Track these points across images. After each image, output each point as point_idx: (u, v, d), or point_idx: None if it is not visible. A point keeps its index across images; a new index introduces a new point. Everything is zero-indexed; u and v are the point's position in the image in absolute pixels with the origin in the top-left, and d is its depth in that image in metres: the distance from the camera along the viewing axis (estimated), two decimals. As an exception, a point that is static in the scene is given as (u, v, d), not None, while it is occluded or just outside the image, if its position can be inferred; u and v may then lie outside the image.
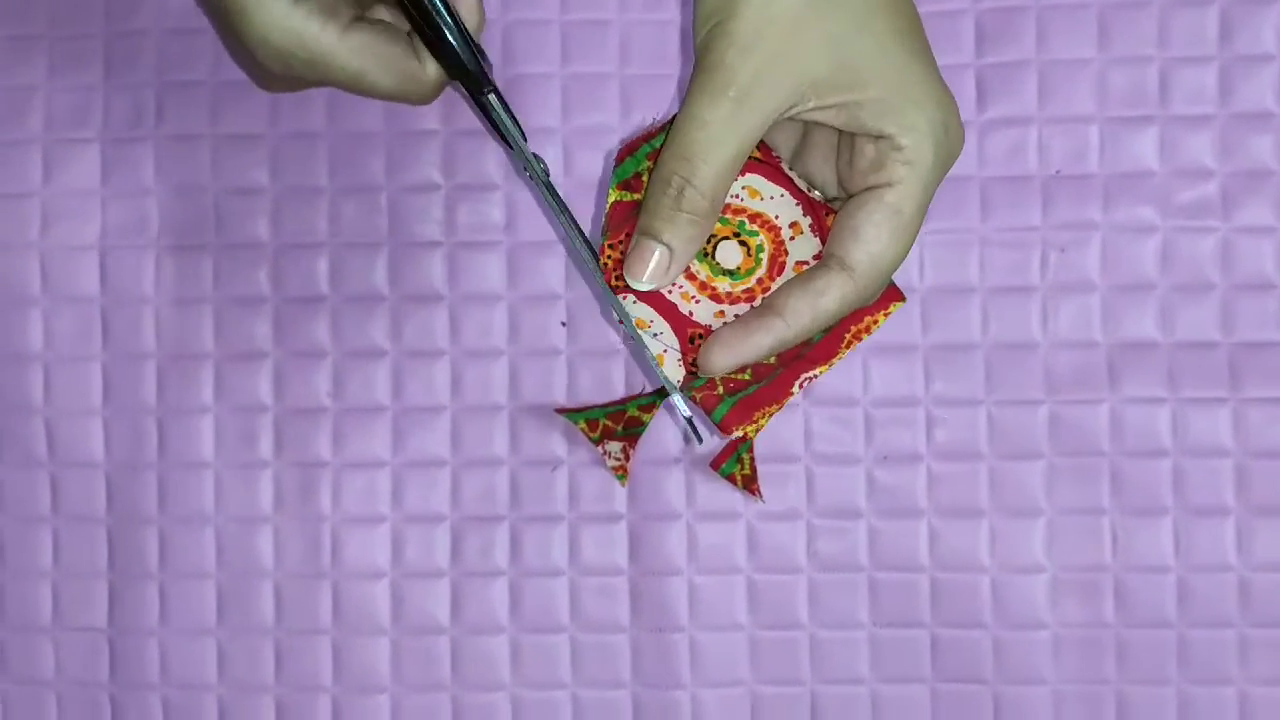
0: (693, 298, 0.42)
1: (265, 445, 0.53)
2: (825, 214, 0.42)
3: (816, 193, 0.42)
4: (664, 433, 0.52)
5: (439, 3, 0.41)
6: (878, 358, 0.51)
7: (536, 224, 0.52)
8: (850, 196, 0.41)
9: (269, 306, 0.53)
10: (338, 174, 0.53)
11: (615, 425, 0.50)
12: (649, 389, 0.52)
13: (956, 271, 0.51)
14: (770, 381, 0.43)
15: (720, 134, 0.39)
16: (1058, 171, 0.51)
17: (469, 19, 0.43)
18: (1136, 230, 0.51)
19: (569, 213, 0.43)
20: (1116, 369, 0.51)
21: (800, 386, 0.43)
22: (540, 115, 0.52)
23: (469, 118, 0.52)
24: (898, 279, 0.51)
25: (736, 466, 0.51)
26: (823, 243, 0.42)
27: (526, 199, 0.52)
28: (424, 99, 0.43)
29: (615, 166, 0.43)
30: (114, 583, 0.53)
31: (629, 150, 0.43)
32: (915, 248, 0.51)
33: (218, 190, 0.53)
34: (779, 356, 0.42)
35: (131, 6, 0.53)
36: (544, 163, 0.44)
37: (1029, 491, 0.51)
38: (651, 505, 0.52)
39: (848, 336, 0.43)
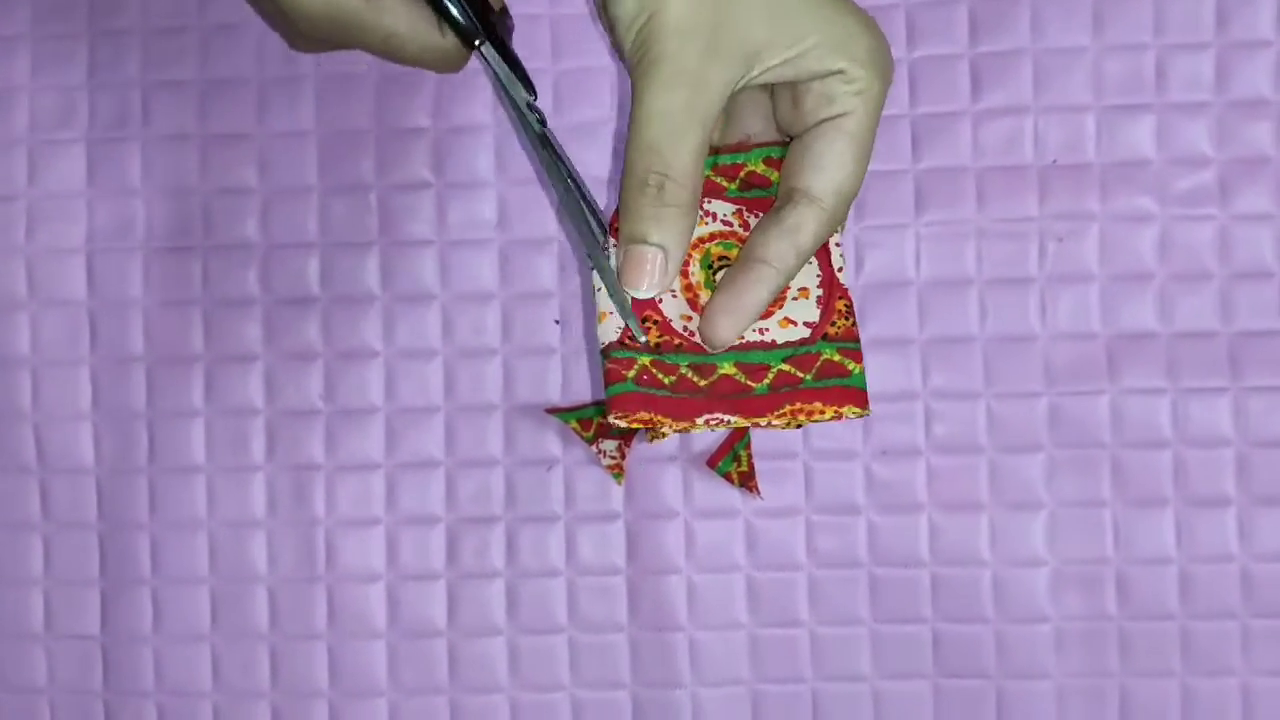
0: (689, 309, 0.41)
1: (257, 448, 0.52)
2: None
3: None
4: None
5: None
6: (875, 352, 0.51)
7: (529, 221, 0.52)
8: (803, 131, 0.41)
9: (259, 308, 0.52)
10: (327, 173, 0.52)
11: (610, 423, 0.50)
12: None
13: (953, 263, 0.51)
14: (682, 398, 0.41)
15: (683, 122, 0.39)
16: (1054, 161, 0.51)
17: None
18: (1134, 219, 0.51)
19: (570, 166, 0.42)
20: (1116, 360, 0.50)
21: (707, 423, 0.41)
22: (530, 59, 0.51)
23: (459, 114, 0.52)
24: (890, 274, 0.50)
25: (733, 464, 0.50)
26: (820, 269, 0.42)
27: (518, 196, 0.52)
28: (445, 67, 0.43)
29: None
30: (106, 589, 0.52)
31: None
32: (912, 240, 0.51)
33: (206, 191, 0.52)
34: (711, 386, 0.41)
35: (115, 5, 0.53)
36: (540, 113, 0.42)
37: (1029, 484, 0.51)
38: (648, 504, 0.51)
39: (789, 409, 0.41)
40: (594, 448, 0.51)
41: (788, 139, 0.42)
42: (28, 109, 0.53)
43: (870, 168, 0.50)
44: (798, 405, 0.41)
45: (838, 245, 0.43)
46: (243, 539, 0.52)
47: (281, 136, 0.52)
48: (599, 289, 0.41)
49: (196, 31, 0.52)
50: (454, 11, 0.41)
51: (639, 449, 0.51)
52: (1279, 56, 0.50)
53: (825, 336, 0.42)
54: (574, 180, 0.42)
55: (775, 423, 0.41)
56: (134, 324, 0.52)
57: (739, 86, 0.40)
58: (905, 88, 0.51)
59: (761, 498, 0.51)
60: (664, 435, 0.42)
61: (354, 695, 0.51)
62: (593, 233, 0.41)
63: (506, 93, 0.42)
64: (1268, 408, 0.50)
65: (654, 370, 0.41)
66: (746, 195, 0.43)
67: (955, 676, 0.51)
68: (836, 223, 0.41)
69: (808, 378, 0.41)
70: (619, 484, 0.51)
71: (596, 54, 0.52)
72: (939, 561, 0.51)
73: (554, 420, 0.51)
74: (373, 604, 0.52)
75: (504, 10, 0.43)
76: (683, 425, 0.41)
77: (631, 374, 0.41)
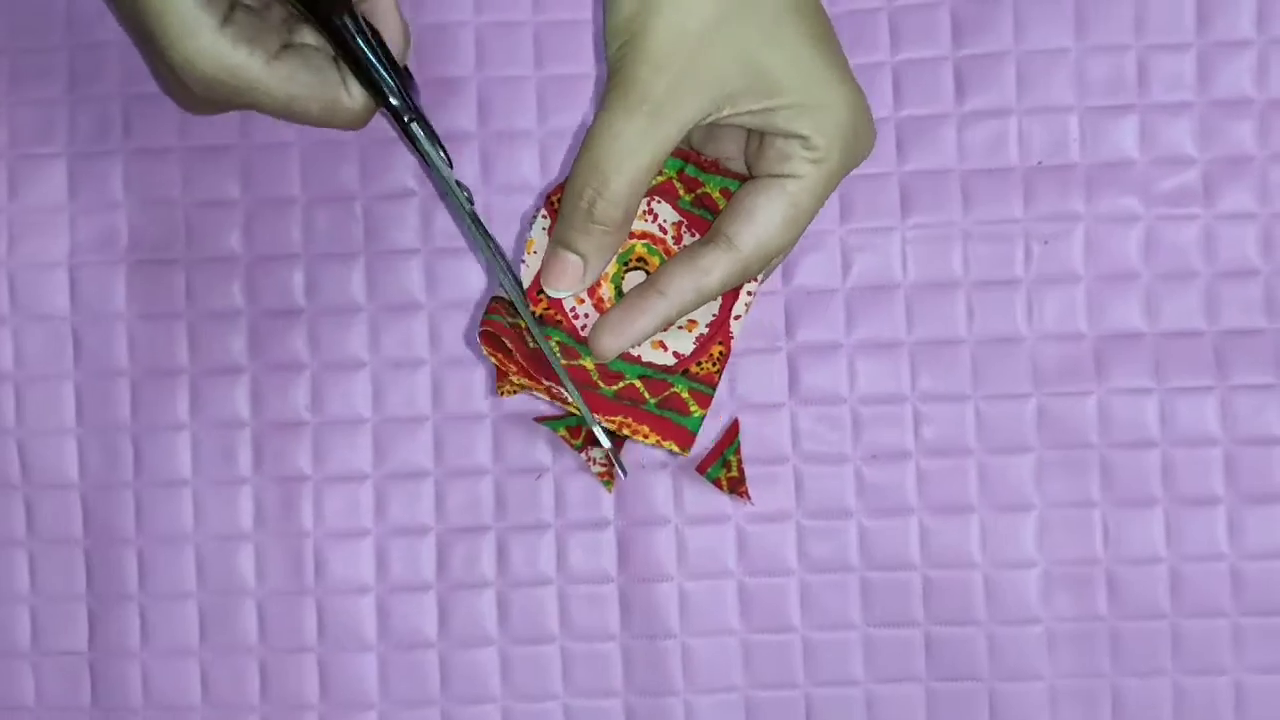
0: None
1: (244, 461, 0.52)
2: None
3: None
4: (649, 437, 0.51)
5: (356, 35, 0.41)
6: (863, 355, 0.51)
7: (515, 229, 0.52)
8: (752, 178, 0.41)
9: (244, 320, 0.52)
10: (310, 183, 0.52)
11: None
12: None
13: (940, 266, 0.51)
14: (540, 363, 0.43)
15: (634, 146, 0.39)
16: (1039, 163, 0.51)
17: (394, 42, 0.43)
18: (1119, 220, 0.51)
19: (493, 242, 0.44)
20: (1103, 360, 0.51)
21: (547, 390, 0.43)
22: (459, 118, 0.51)
23: (442, 123, 0.52)
24: (877, 278, 0.50)
25: (722, 470, 0.50)
26: (719, 309, 0.43)
27: (503, 204, 0.52)
28: (353, 125, 0.44)
29: (536, 216, 0.44)
30: (93, 605, 0.52)
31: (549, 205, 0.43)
32: (898, 242, 0.51)
33: (188, 203, 0.52)
34: (568, 367, 0.43)
35: (94, 18, 0.52)
36: (468, 190, 0.44)
37: (1019, 486, 0.51)
38: (639, 510, 0.51)
39: (619, 420, 0.43)
40: (583, 455, 0.51)
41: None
42: (7, 124, 0.52)
43: (856, 171, 0.51)
44: (629, 421, 0.43)
45: (750, 295, 0.44)
46: (230, 552, 0.52)
47: (264, 148, 0.52)
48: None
49: (177, 43, 0.52)
50: (387, 90, 0.42)
51: (629, 456, 0.51)
52: (1260, 55, 0.50)
53: (685, 372, 0.43)
54: (498, 252, 0.44)
55: (590, 420, 0.43)
56: (118, 337, 0.52)
57: (705, 122, 0.40)
58: (889, 91, 0.51)
59: (752, 503, 0.51)
60: (506, 389, 0.44)
61: (345, 708, 0.51)
62: (520, 297, 0.43)
63: (435, 170, 0.43)
64: (1254, 406, 0.50)
65: (526, 331, 0.43)
66: (694, 211, 0.43)
67: (948, 679, 0.51)
68: (750, 275, 0.41)
69: (652, 402, 0.43)
70: (609, 491, 0.51)
71: (581, 61, 0.52)
72: (930, 564, 0.51)
73: (543, 428, 0.51)
74: (363, 616, 0.51)
75: (408, 71, 0.43)
76: (525, 381, 0.43)
77: (509, 320, 0.43)
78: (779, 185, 0.40)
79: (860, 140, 0.41)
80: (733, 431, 0.51)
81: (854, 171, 0.50)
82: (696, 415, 0.43)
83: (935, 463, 0.51)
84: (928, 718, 0.50)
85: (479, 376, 0.51)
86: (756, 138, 0.42)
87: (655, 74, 0.39)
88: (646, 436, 0.43)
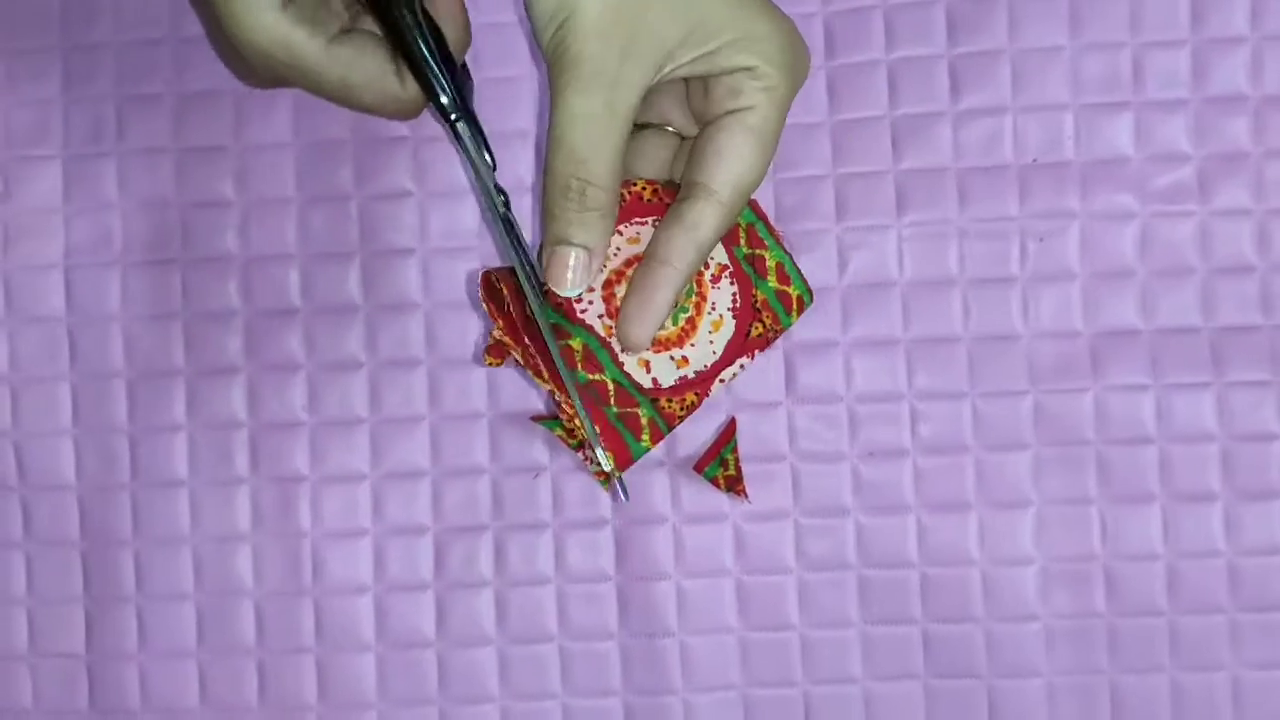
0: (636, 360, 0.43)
1: (241, 461, 0.52)
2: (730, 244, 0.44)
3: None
4: (647, 436, 0.51)
5: (415, 29, 0.41)
6: (860, 353, 0.51)
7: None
8: (705, 125, 0.42)
9: (240, 320, 0.52)
10: (306, 183, 0.52)
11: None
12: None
13: (936, 264, 0.51)
14: (531, 328, 0.43)
15: (604, 126, 0.39)
16: (1034, 160, 0.51)
17: (453, 37, 0.42)
18: (1115, 217, 0.51)
19: (524, 250, 0.43)
20: (1099, 357, 0.51)
21: (523, 351, 0.44)
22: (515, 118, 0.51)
23: (439, 125, 0.51)
24: (874, 276, 0.50)
25: (720, 469, 0.50)
26: (717, 358, 0.43)
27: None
28: (405, 116, 0.44)
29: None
30: (90, 607, 0.52)
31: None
32: (894, 241, 0.51)
33: (183, 204, 0.52)
34: (557, 344, 0.43)
35: (88, 18, 0.52)
36: (505, 195, 0.43)
37: (1016, 483, 0.51)
38: (637, 509, 0.51)
39: (571, 411, 0.43)
40: (580, 454, 0.51)
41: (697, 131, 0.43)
42: (1, 125, 0.52)
43: (851, 169, 0.51)
44: (578, 416, 0.43)
45: (741, 367, 0.44)
46: (228, 553, 0.51)
47: (259, 148, 0.52)
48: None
49: (170, 44, 0.52)
50: (438, 87, 0.42)
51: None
52: (1255, 52, 0.51)
53: (654, 400, 0.42)
54: (530, 263, 0.43)
55: (558, 399, 0.43)
56: (114, 339, 0.52)
57: (654, 83, 0.40)
58: (885, 89, 0.51)
59: (749, 501, 0.51)
60: (493, 336, 0.44)
61: (343, 708, 0.51)
62: (540, 305, 0.43)
63: (475, 172, 0.43)
64: (1251, 402, 0.50)
65: (526, 305, 0.43)
66: (743, 266, 0.44)
67: (946, 677, 0.51)
68: (734, 215, 0.42)
69: (614, 410, 0.43)
70: (606, 490, 0.51)
71: (519, 63, 0.51)
72: (928, 562, 0.51)
73: (540, 427, 0.51)
74: (361, 616, 0.51)
75: (466, 69, 0.43)
76: (508, 340, 0.44)
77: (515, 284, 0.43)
78: (736, 119, 0.41)
79: (799, 62, 0.41)
80: (730, 430, 0.51)
81: (849, 170, 0.51)
82: (645, 444, 0.43)
83: (932, 460, 0.51)
84: (926, 715, 0.51)
85: (476, 376, 0.51)
86: (700, 88, 0.42)
87: (602, 46, 0.39)
88: (585, 433, 0.43)
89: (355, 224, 0.52)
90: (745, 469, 0.51)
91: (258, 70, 0.42)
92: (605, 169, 0.40)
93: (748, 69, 0.40)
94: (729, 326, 0.44)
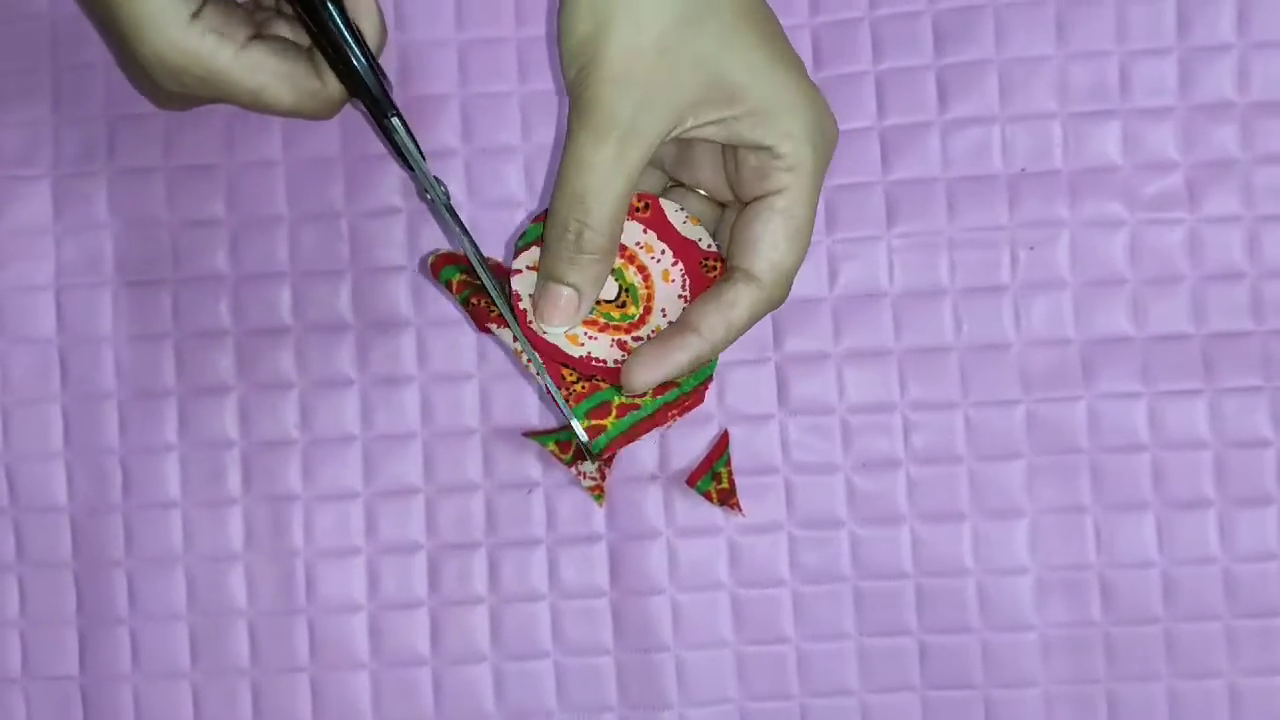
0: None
1: (233, 481, 0.51)
2: (701, 261, 0.44)
3: (706, 242, 0.44)
4: (639, 450, 0.51)
5: (342, 26, 0.41)
6: (852, 364, 0.51)
7: (503, 244, 0.52)
8: (745, 204, 0.42)
9: (231, 339, 0.52)
10: (296, 202, 0.52)
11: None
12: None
13: (926, 274, 0.51)
14: (645, 416, 0.44)
15: (609, 173, 0.39)
16: (1023, 169, 0.51)
17: (370, 35, 0.43)
18: (1104, 225, 0.51)
19: (470, 236, 0.44)
20: (1091, 365, 0.51)
21: (495, 321, 0.44)
22: (444, 136, 0.52)
23: (427, 139, 0.52)
24: (864, 287, 0.50)
25: (712, 483, 0.50)
26: (690, 293, 0.44)
27: (491, 219, 0.52)
28: (324, 114, 0.44)
29: (521, 237, 0.44)
30: (83, 629, 0.52)
31: (539, 219, 0.44)
32: (884, 251, 0.51)
33: (174, 223, 0.52)
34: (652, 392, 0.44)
35: (79, 39, 0.52)
36: (445, 185, 0.44)
37: (1010, 492, 0.51)
38: (630, 524, 0.51)
39: (568, 376, 0.44)
40: (573, 469, 0.51)
41: (730, 201, 0.43)
42: (-9, 146, 0.52)
43: (840, 180, 0.51)
44: (577, 371, 0.44)
45: (675, 418, 0.45)
46: (221, 573, 0.51)
47: (249, 166, 0.52)
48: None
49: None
50: (367, 82, 0.43)
51: (617, 470, 0.51)
52: (1241, 59, 0.51)
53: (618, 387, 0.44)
54: (474, 244, 0.44)
55: (529, 366, 0.44)
56: (105, 359, 0.52)
57: (670, 137, 0.40)
58: (873, 100, 0.51)
59: (743, 514, 0.51)
60: (476, 304, 0.44)
61: (338, 728, 0.51)
62: (494, 287, 0.44)
63: (411, 165, 0.43)
64: (1243, 408, 0.50)
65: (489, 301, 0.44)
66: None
67: (943, 688, 0.50)
68: (776, 301, 0.42)
69: (608, 388, 0.44)
70: (600, 505, 0.51)
71: (505, 80, 0.52)
72: (922, 572, 0.51)
73: (532, 443, 0.51)
74: (355, 634, 0.51)
75: (380, 67, 0.44)
76: (485, 320, 0.44)
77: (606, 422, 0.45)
78: (768, 205, 0.40)
79: (827, 135, 0.41)
80: (722, 443, 0.51)
81: (838, 182, 0.51)
82: (613, 425, 0.44)
83: (926, 470, 0.51)
84: (923, 727, 0.50)
85: (468, 392, 0.51)
86: (732, 159, 0.42)
87: (619, 94, 0.38)
88: (580, 390, 0.44)
89: (346, 241, 0.52)
90: (738, 482, 0.51)
91: (170, 90, 0.42)
92: (605, 216, 0.40)
93: (768, 149, 0.40)
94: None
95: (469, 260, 0.44)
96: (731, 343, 0.42)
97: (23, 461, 0.52)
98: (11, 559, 0.52)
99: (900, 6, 0.51)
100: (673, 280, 0.43)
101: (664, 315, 0.43)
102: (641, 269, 0.43)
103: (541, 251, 0.42)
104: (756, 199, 0.41)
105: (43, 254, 0.52)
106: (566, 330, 0.42)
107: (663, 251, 0.43)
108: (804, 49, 0.51)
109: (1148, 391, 0.50)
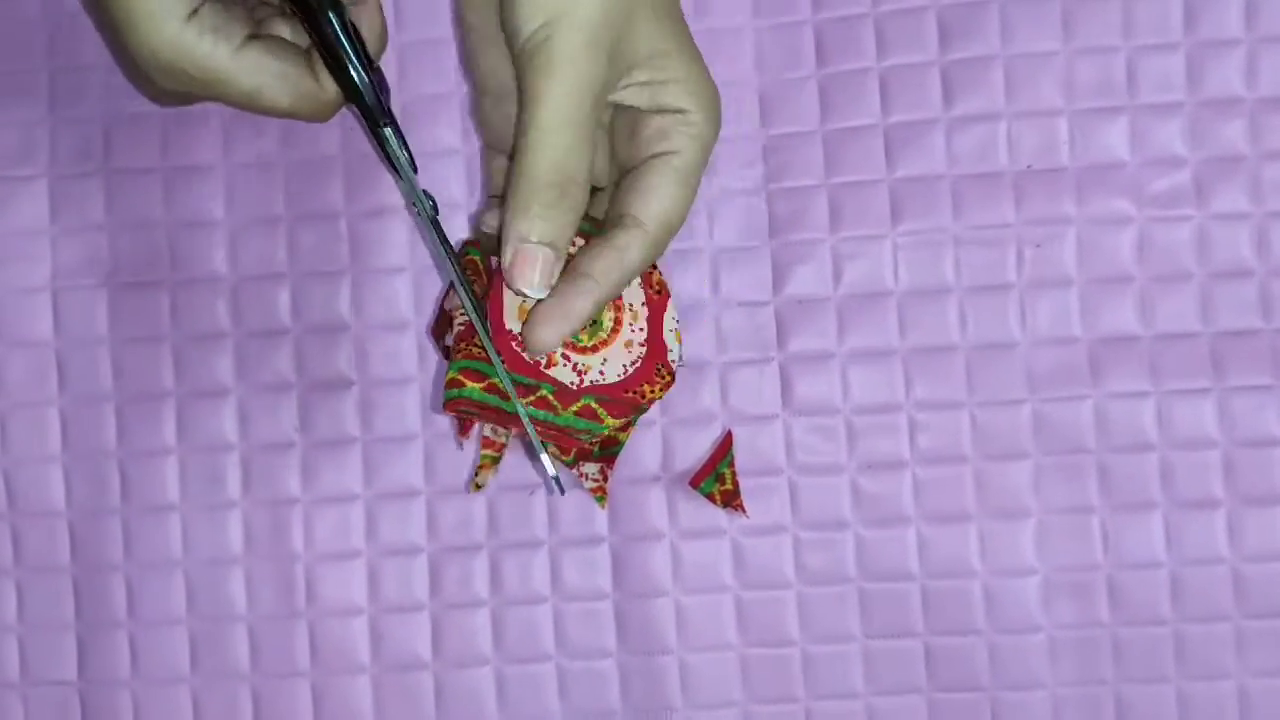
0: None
1: (232, 484, 0.51)
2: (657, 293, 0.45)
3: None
4: (641, 451, 0.51)
5: (341, 32, 0.41)
6: (856, 364, 0.50)
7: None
8: (631, 169, 0.43)
9: (230, 341, 0.51)
10: (295, 202, 0.51)
11: (591, 446, 0.49)
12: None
13: (931, 272, 0.50)
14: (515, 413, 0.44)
15: (588, 127, 0.40)
16: (1029, 166, 0.50)
17: (371, 41, 0.43)
18: (1111, 222, 0.50)
19: (455, 255, 0.43)
20: (1098, 364, 0.50)
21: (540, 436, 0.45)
22: (444, 135, 0.51)
23: (428, 138, 0.51)
24: (869, 285, 0.50)
25: (716, 485, 0.50)
26: (651, 325, 0.45)
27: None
28: (321, 117, 0.44)
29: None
30: (82, 634, 0.51)
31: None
32: (889, 250, 0.50)
33: (171, 224, 0.52)
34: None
35: (75, 39, 0.52)
36: (433, 199, 0.44)
37: (1016, 492, 0.50)
38: (633, 526, 0.51)
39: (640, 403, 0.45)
40: (575, 471, 0.50)
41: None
42: (-14, 147, 0.52)
43: (844, 178, 0.50)
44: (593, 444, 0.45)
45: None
46: (220, 577, 0.51)
47: (246, 166, 0.51)
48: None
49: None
50: (363, 91, 0.42)
51: (620, 471, 0.51)
52: (1249, 54, 0.50)
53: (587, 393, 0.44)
54: (456, 262, 0.43)
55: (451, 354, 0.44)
56: (102, 362, 0.51)
57: (613, 91, 0.41)
58: (877, 97, 0.51)
59: (747, 516, 0.50)
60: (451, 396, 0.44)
61: (340, 732, 0.51)
62: (473, 307, 0.43)
63: (402, 175, 0.43)
64: (1252, 407, 0.50)
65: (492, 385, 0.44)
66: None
67: (949, 690, 0.50)
68: (661, 248, 0.43)
69: (611, 421, 0.45)
70: (602, 507, 0.51)
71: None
72: (929, 574, 0.50)
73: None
74: (356, 638, 0.51)
75: (382, 73, 0.44)
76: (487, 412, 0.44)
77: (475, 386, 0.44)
78: (663, 160, 0.42)
79: (718, 121, 0.43)
80: (726, 444, 0.50)
81: (842, 179, 0.50)
82: (471, 390, 0.44)
83: (931, 471, 0.50)
84: (930, 729, 0.50)
85: (469, 393, 0.51)
86: (627, 126, 0.43)
87: (595, 51, 0.39)
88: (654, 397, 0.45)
89: (345, 242, 0.51)
90: (742, 483, 0.50)
91: (165, 87, 0.42)
92: (587, 168, 0.40)
93: (682, 112, 0.42)
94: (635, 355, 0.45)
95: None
96: (621, 288, 0.42)
97: (20, 465, 0.51)
98: (9, 563, 0.51)
99: (904, 2, 0.51)
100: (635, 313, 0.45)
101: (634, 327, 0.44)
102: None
103: (510, 211, 0.41)
104: (653, 156, 0.42)
105: (39, 256, 0.52)
106: (542, 294, 0.42)
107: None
108: (807, 46, 0.51)
109: (1156, 390, 0.50)
